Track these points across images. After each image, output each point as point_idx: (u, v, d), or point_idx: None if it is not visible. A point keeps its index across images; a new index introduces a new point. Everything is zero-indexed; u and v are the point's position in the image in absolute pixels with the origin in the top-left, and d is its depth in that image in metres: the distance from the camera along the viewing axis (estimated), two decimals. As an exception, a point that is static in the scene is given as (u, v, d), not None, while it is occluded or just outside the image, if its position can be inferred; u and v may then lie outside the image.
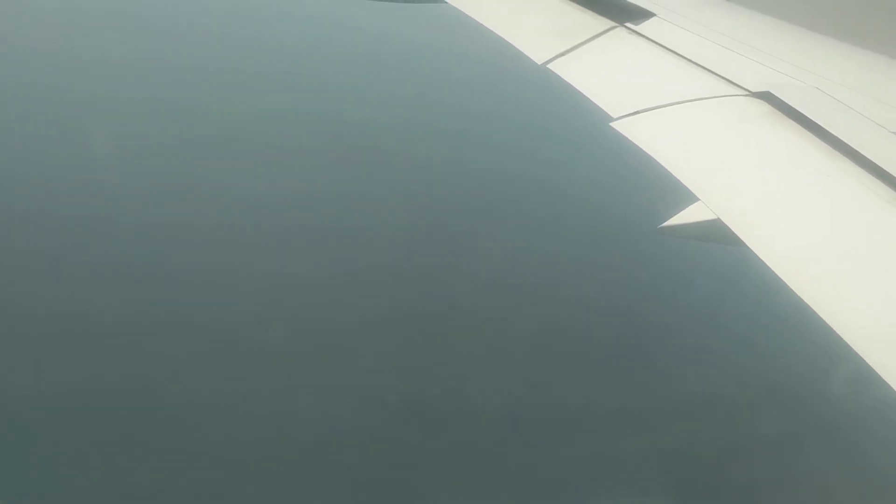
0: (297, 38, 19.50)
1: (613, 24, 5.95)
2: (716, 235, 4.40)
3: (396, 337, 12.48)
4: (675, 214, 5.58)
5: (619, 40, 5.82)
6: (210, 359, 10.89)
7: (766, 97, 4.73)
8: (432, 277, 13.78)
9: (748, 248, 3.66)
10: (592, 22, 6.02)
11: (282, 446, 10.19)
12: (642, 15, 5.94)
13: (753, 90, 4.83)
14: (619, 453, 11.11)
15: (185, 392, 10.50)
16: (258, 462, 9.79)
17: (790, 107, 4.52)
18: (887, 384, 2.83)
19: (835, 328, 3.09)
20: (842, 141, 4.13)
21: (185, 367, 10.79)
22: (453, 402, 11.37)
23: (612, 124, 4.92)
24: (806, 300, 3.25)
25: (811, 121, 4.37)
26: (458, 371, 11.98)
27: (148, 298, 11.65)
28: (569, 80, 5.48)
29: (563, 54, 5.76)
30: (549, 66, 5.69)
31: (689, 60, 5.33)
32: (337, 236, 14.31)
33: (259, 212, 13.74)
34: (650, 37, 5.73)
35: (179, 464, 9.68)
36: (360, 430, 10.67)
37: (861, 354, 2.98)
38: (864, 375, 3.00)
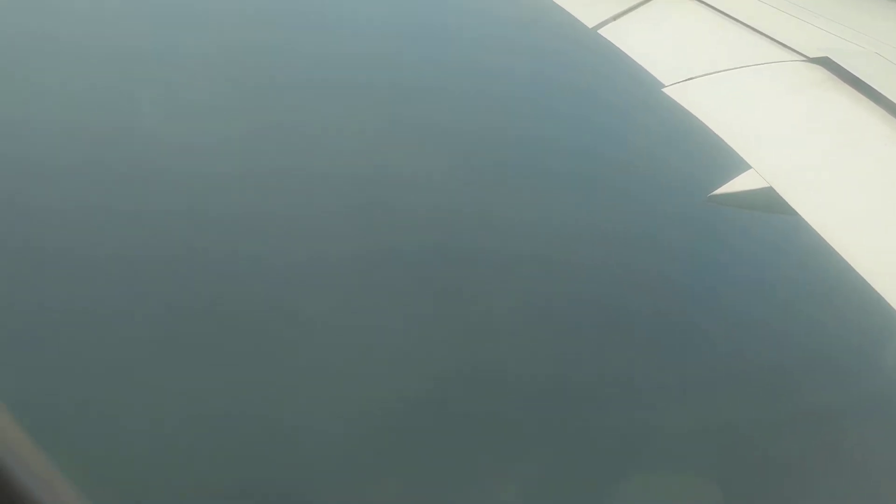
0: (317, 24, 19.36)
1: (667, -13, 5.83)
2: (767, 204, 4.33)
3: (460, 285, 12.56)
4: (725, 183, 5.50)
5: (672, 4, 5.71)
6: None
7: (824, 63, 4.62)
8: (476, 245, 13.76)
9: (801, 217, 3.60)
10: (645, -15, 5.91)
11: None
12: (697, -22, 5.82)
13: (811, 56, 4.72)
14: (664, 426, 11.06)
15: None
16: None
17: (848, 73, 4.41)
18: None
19: (889, 301, 3.03)
20: (901, 108, 4.03)
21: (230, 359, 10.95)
22: (503, 371, 11.40)
23: (664, 90, 4.85)
24: (859, 271, 3.19)
25: (870, 87, 4.26)
26: (510, 337, 11.99)
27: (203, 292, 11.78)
28: (620, 46, 5.40)
29: (614, 18, 5.67)
30: (600, 30, 5.61)
31: (745, 24, 5.21)
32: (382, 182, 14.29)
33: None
34: (704, 0, 5.62)
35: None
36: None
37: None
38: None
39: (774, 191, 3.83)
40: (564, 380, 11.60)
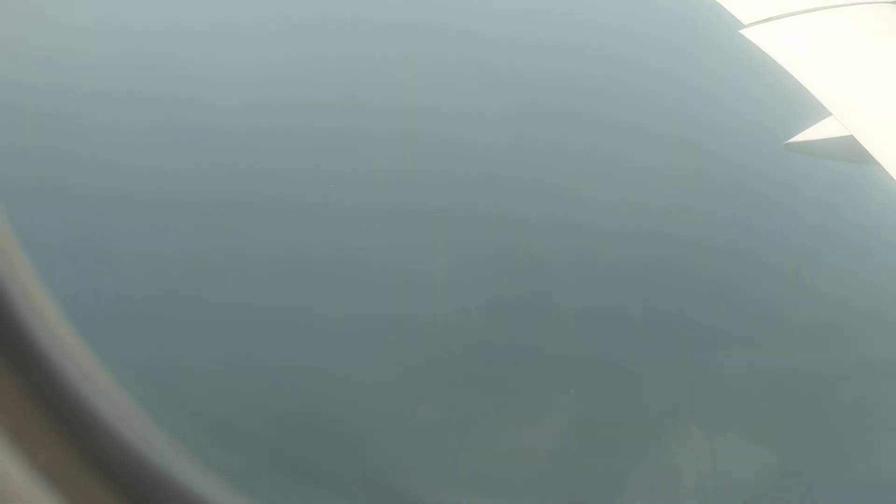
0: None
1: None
2: (847, 153, 4.17)
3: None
4: (804, 130, 5.32)
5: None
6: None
7: (916, 5, 4.39)
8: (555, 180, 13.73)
9: (881, 167, 3.47)
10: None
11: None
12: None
13: (901, -3, 4.49)
14: (731, 369, 11.00)
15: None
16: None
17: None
18: None
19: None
20: None
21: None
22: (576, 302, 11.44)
23: (743, 31, 4.70)
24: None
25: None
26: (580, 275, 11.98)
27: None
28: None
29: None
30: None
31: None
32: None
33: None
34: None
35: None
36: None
37: None
38: None
39: (855, 139, 3.68)
40: (637, 321, 11.59)
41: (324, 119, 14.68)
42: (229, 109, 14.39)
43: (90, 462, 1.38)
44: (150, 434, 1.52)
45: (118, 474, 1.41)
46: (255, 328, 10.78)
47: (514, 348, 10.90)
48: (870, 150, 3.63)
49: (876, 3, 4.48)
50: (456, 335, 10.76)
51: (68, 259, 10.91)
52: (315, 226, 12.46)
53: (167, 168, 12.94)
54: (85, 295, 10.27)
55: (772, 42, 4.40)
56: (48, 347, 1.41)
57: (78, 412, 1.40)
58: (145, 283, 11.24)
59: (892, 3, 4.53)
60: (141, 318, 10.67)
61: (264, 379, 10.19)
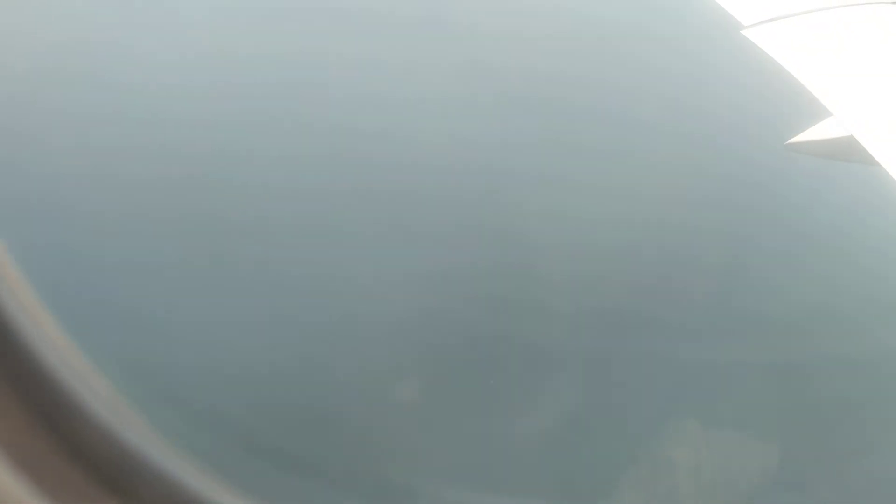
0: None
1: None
2: (848, 153, 4.18)
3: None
4: (804, 130, 5.32)
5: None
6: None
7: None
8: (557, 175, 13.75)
9: (882, 167, 3.47)
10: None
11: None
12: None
13: (902, -3, 4.49)
14: (728, 366, 11.03)
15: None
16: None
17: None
18: None
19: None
20: None
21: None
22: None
23: (744, 32, 4.70)
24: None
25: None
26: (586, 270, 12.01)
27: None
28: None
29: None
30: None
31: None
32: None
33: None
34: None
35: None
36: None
37: None
38: None
39: (856, 140, 3.68)
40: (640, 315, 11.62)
41: (321, 117, 14.67)
42: (225, 111, 14.40)
43: (72, 453, 1.38)
44: (133, 425, 1.51)
45: (102, 465, 1.40)
46: (243, 324, 10.78)
47: (511, 342, 10.93)
48: (870, 151, 3.63)
49: (876, 3, 4.48)
50: (451, 330, 10.77)
51: (55, 262, 10.93)
52: (309, 221, 12.47)
53: (152, 177, 12.96)
54: (69, 292, 10.29)
55: (772, 42, 4.40)
56: (33, 342, 1.40)
57: (60, 403, 1.39)
58: (131, 280, 11.25)
59: (892, 2, 4.53)
60: (127, 314, 10.68)
61: (253, 373, 10.21)
